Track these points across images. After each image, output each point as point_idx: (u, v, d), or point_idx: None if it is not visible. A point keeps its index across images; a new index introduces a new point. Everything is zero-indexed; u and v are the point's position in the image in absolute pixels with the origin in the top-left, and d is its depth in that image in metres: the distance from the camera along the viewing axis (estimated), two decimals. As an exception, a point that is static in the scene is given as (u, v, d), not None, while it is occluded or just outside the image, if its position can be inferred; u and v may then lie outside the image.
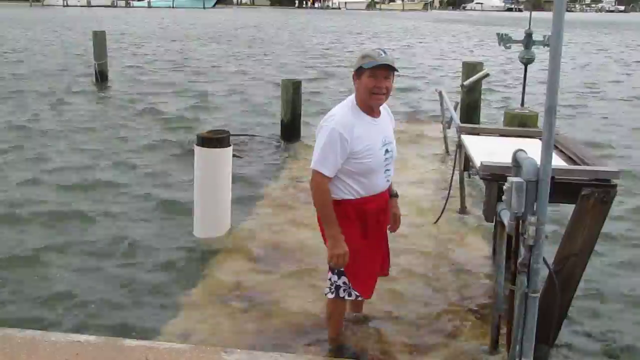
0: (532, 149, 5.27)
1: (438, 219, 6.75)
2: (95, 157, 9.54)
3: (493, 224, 4.93)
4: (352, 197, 3.87)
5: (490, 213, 4.21)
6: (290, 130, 10.64)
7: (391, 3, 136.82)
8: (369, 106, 3.83)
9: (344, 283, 3.98)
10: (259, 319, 4.72)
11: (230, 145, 6.27)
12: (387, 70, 3.73)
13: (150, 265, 5.78)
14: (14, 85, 16.57)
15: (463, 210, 7.02)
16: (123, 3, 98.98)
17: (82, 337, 3.87)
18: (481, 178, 4.24)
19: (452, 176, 6.76)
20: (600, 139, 11.26)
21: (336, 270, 3.94)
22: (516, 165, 3.59)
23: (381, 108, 3.95)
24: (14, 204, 7.24)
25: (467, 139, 5.34)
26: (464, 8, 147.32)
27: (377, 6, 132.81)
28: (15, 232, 6.46)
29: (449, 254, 6.03)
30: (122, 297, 5.15)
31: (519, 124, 6.13)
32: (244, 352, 3.82)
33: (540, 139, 5.58)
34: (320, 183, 3.79)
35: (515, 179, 3.30)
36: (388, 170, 3.97)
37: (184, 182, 7.94)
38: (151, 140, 10.69)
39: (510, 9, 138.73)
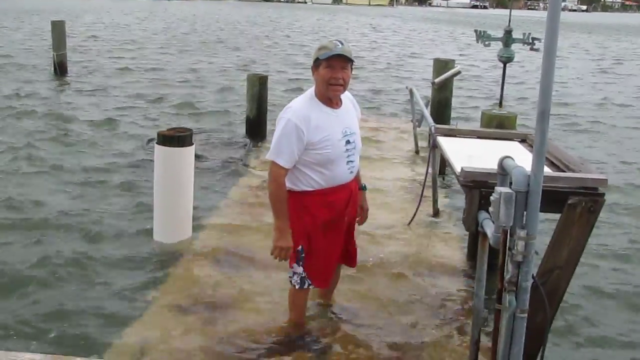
0: (513, 152, 5.08)
1: (411, 220, 6.51)
2: (50, 156, 9.04)
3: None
4: (312, 189, 3.88)
5: (471, 222, 3.94)
6: (256, 127, 10.30)
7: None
8: (327, 97, 3.82)
9: (308, 277, 4.04)
10: (219, 332, 4.39)
11: (192, 144, 5.91)
12: (344, 60, 3.72)
13: (105, 272, 5.40)
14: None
15: (436, 213, 6.78)
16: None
17: (27, 356, 3.48)
18: (461, 185, 3.98)
19: (426, 178, 6.51)
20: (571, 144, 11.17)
21: (302, 263, 3.98)
22: (502, 173, 3.32)
23: (345, 99, 3.97)
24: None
25: (443, 141, 5.09)
26: (429, 4, 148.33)
27: (344, 1, 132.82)
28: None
29: (423, 258, 5.77)
30: (73, 309, 4.77)
31: (497, 125, 5.88)
32: None
33: (520, 142, 5.41)
34: (276, 174, 3.80)
35: (504, 190, 3.03)
36: (351, 161, 3.93)
37: (146, 182, 7.52)
38: (110, 138, 10.20)
39: (475, 6, 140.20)
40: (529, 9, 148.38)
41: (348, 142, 3.88)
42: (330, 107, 3.85)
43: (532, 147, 5.25)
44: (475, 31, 6.44)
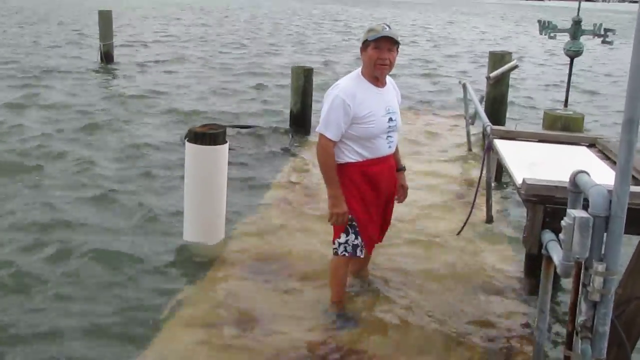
0: (581, 159, 4.50)
1: (461, 230, 5.96)
2: (83, 148, 8.74)
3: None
4: (356, 160, 4.10)
5: (533, 243, 3.41)
6: (300, 121, 9.85)
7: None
8: (374, 76, 4.08)
9: (361, 242, 4.20)
10: (250, 347, 3.99)
11: (226, 142, 5.48)
12: (390, 42, 3.98)
13: (130, 277, 5.00)
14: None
15: (489, 220, 6.20)
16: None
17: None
18: (523, 200, 3.44)
19: (479, 182, 5.93)
20: None
21: (352, 230, 4.15)
22: (575, 191, 2.78)
23: (388, 82, 4.23)
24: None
25: (501, 145, 4.53)
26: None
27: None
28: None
29: (474, 271, 5.24)
30: (95, 322, 4.35)
31: (562, 127, 5.25)
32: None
33: (588, 147, 4.80)
34: (325, 146, 4.03)
35: (578, 214, 2.49)
36: (390, 137, 4.18)
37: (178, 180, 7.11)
38: (147, 131, 9.81)
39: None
40: (586, 0, 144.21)
41: (390, 119, 4.11)
42: (376, 85, 4.10)
43: (602, 153, 4.67)
44: (539, 21, 5.78)
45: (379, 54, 3.97)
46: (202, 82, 14.61)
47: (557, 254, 2.99)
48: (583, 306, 2.56)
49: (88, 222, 5.97)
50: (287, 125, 10.13)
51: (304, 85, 9.81)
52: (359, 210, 4.15)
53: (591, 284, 2.49)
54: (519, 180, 3.59)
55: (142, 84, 13.81)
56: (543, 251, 3.30)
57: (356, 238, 4.18)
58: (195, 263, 5.23)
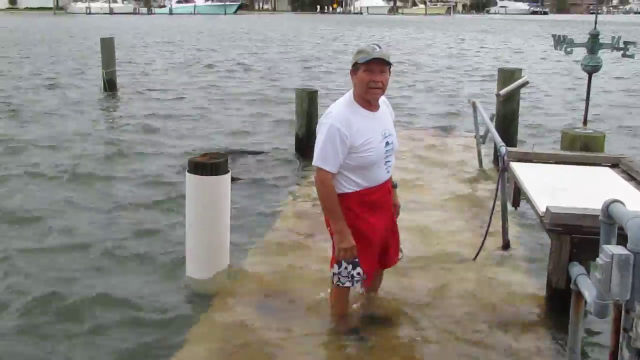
0: (605, 181, 4.23)
1: (477, 255, 5.68)
2: (78, 179, 8.50)
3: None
4: (353, 190, 3.95)
5: (560, 276, 3.15)
6: (306, 145, 9.60)
7: (414, 7, 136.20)
8: (367, 100, 3.89)
9: (358, 274, 4.07)
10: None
11: (228, 171, 5.24)
12: (382, 64, 3.79)
13: (131, 316, 4.75)
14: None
15: (506, 246, 5.92)
16: (145, 10, 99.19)
17: None
18: (547, 230, 3.17)
19: (494, 205, 5.66)
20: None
21: (351, 261, 4.01)
22: (609, 222, 2.51)
23: (380, 101, 4.02)
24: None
25: (518, 168, 4.28)
26: (487, 12, 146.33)
27: (400, 11, 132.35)
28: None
29: (492, 301, 4.91)
30: None
31: (581, 147, 4.96)
32: None
33: (611, 167, 4.53)
34: (324, 179, 3.87)
35: (617, 250, 2.22)
36: (388, 161, 4.04)
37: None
38: (147, 162, 9.54)
39: (535, 12, 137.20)
40: (591, 13, 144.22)
41: (387, 143, 3.96)
42: (369, 110, 3.93)
43: (626, 173, 4.39)
44: (554, 36, 5.50)
45: (370, 76, 3.79)
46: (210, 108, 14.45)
47: (588, 291, 2.72)
48: (625, 353, 2.28)
49: (83, 267, 5.66)
50: (292, 150, 9.91)
51: (308, 108, 9.59)
52: (357, 240, 3.98)
53: (634, 329, 2.21)
54: (541, 208, 3.33)
55: (145, 112, 13.61)
56: (572, 286, 3.03)
57: (354, 268, 4.06)
58: (199, 299, 4.98)
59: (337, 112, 3.87)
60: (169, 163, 9.29)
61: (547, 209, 3.15)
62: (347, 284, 4.14)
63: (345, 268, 4.08)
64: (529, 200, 3.77)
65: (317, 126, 3.99)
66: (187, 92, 16.89)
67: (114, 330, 4.52)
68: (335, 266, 4.10)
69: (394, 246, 4.43)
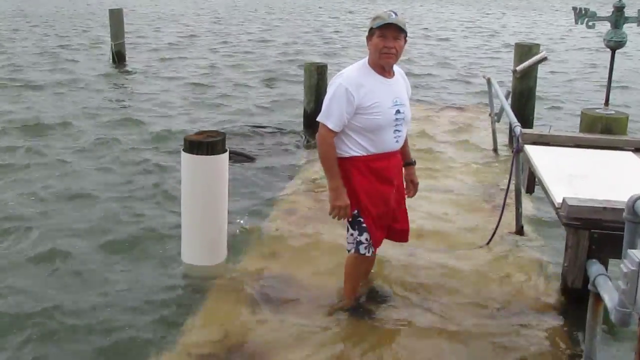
0: (627, 167, 3.90)
1: (490, 240, 5.41)
2: (82, 155, 8.23)
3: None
4: (359, 154, 3.90)
5: (577, 275, 2.86)
6: (314, 120, 9.26)
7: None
8: (380, 66, 3.88)
9: (366, 239, 4.00)
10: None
11: (226, 150, 4.97)
12: (397, 30, 3.77)
13: (125, 305, 4.54)
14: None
15: (520, 230, 5.63)
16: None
17: None
18: (564, 224, 2.87)
19: (507, 190, 5.36)
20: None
21: (357, 226, 3.97)
22: (636, 220, 2.21)
23: (397, 72, 4.02)
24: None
25: (533, 152, 3.97)
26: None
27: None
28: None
29: (505, 289, 4.67)
30: (91, 353, 3.96)
31: (602, 129, 4.61)
32: None
33: (634, 152, 4.19)
34: (325, 136, 3.86)
35: (644, 257, 1.92)
36: (398, 130, 3.96)
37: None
38: (149, 137, 9.24)
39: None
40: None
41: (398, 111, 3.90)
42: (382, 75, 3.90)
43: (651, 159, 4.09)
44: (574, 9, 5.11)
45: (384, 42, 3.77)
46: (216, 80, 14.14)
47: (609, 295, 2.44)
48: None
49: (79, 250, 5.42)
50: (300, 126, 9.62)
51: (317, 83, 9.29)
52: (366, 203, 3.96)
53: (662, 347, 1.93)
54: (557, 199, 3.04)
55: (151, 86, 13.32)
56: (590, 287, 2.74)
57: (360, 234, 4.01)
58: (196, 288, 4.78)
59: (349, 74, 3.88)
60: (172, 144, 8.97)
61: (563, 200, 2.86)
62: (362, 250, 4.05)
63: (352, 235, 4.04)
64: (544, 188, 3.46)
65: (329, 84, 4.01)
66: (201, 66, 16.58)
67: (107, 322, 4.30)
68: (356, 231, 4.04)
69: (403, 221, 4.31)
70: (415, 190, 4.41)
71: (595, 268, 2.69)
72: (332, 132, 3.85)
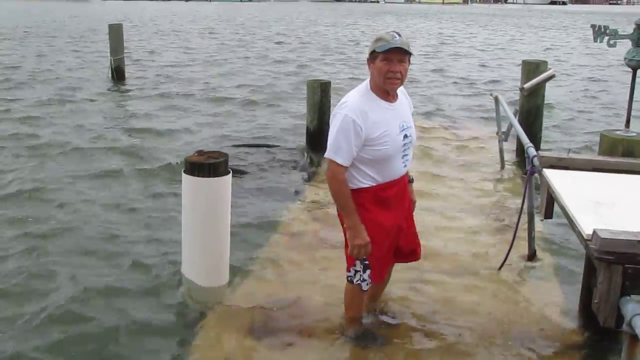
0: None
1: (502, 265, 5.21)
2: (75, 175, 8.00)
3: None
4: (367, 185, 3.75)
5: (609, 313, 2.64)
6: (317, 139, 9.10)
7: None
8: (384, 91, 3.68)
9: (368, 277, 3.89)
10: None
11: (229, 172, 4.77)
12: (402, 53, 3.56)
13: (123, 331, 4.35)
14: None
15: (532, 256, 5.42)
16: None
17: None
18: (595, 258, 2.67)
19: (520, 214, 5.15)
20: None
21: (361, 263, 3.84)
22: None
23: (398, 91, 3.79)
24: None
25: (553, 177, 3.76)
26: (505, 2, 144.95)
27: (417, 0, 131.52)
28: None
29: (519, 318, 4.48)
30: None
31: (624, 152, 4.41)
32: None
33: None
34: (336, 172, 3.66)
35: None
36: (406, 155, 3.82)
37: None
38: (147, 157, 8.94)
39: (554, 2, 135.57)
40: (610, 4, 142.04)
41: (405, 136, 3.75)
42: (387, 100, 3.71)
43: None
44: (593, 27, 4.91)
45: (389, 66, 3.55)
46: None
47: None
48: None
49: (77, 279, 5.15)
50: (303, 144, 9.43)
51: (320, 100, 9.09)
52: (372, 243, 3.75)
53: None
54: (586, 230, 2.83)
55: (151, 105, 13.10)
56: (625, 327, 2.53)
57: (364, 272, 3.87)
58: (195, 312, 4.57)
59: (353, 103, 3.63)
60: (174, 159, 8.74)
61: (594, 232, 2.65)
62: (364, 287, 3.93)
63: (357, 272, 3.88)
64: (568, 217, 3.25)
65: (331, 117, 3.75)
66: (206, 79, 16.39)
67: (104, 347, 4.14)
68: (351, 269, 3.91)
69: (411, 242, 4.17)
70: (412, 209, 4.24)
71: (631, 307, 2.49)
72: (342, 167, 3.64)
